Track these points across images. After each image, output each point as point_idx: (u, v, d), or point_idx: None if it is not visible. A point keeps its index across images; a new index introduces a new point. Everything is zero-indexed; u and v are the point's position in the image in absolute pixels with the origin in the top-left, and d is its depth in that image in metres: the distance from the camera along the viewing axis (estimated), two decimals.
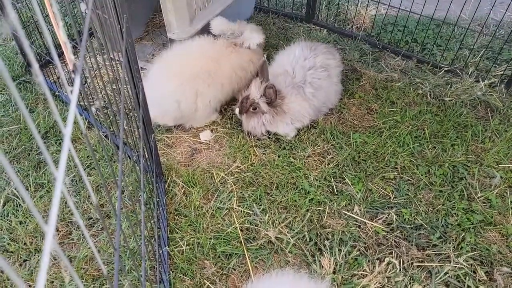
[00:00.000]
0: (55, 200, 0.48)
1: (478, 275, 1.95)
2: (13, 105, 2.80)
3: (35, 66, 0.51)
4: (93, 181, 2.36)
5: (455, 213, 2.21)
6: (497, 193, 2.31)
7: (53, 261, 2.01)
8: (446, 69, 3.12)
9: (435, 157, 2.51)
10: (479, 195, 2.29)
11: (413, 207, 2.24)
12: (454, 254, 2.02)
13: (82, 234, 2.11)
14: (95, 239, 2.11)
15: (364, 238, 2.10)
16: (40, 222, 0.41)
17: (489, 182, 2.37)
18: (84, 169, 2.43)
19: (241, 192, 2.32)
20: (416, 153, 2.53)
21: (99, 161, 2.49)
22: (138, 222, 2.07)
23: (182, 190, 2.33)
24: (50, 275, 1.95)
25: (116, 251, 0.96)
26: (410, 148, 2.55)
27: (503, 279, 1.93)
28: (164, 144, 2.62)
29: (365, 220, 2.18)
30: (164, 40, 3.41)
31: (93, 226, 2.17)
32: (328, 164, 2.48)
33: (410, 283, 1.92)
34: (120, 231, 1.78)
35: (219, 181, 2.39)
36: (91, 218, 2.19)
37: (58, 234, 2.12)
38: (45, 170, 2.41)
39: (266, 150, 2.57)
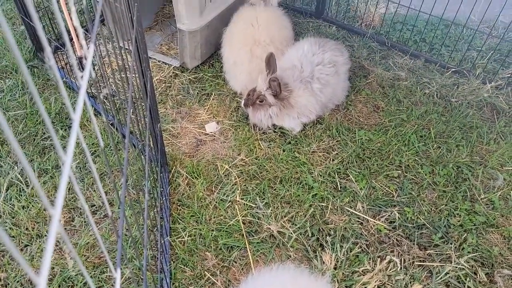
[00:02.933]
0: (62, 182, 0.48)
1: (478, 276, 1.95)
2: (20, 90, 2.81)
3: (48, 49, 0.50)
4: (97, 168, 2.37)
5: (457, 214, 2.20)
6: (500, 195, 2.30)
7: (55, 247, 2.02)
8: (454, 69, 3.10)
9: (439, 157, 2.50)
10: (482, 196, 2.29)
11: (416, 206, 2.24)
12: (455, 255, 2.02)
13: (84, 221, 2.12)
14: (97, 226, 2.12)
15: (366, 236, 2.10)
16: (46, 205, 0.41)
17: (492, 184, 2.36)
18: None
19: (245, 185, 2.32)
20: (421, 152, 2.52)
21: (104, 149, 2.49)
22: (141, 211, 2.08)
23: (186, 181, 2.34)
24: (51, 261, 1.96)
25: (119, 238, 0.97)
26: (415, 147, 2.54)
27: (503, 281, 1.93)
28: (170, 134, 2.63)
29: (367, 218, 2.18)
30: (173, 31, 3.40)
31: (96, 214, 2.18)
32: (333, 160, 2.47)
33: (410, 282, 1.93)
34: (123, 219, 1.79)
35: (223, 173, 2.39)
36: (94, 205, 2.20)
37: (61, 220, 2.13)
38: (50, 156, 2.41)
39: (271, 144, 2.57)
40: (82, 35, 0.80)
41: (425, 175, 2.39)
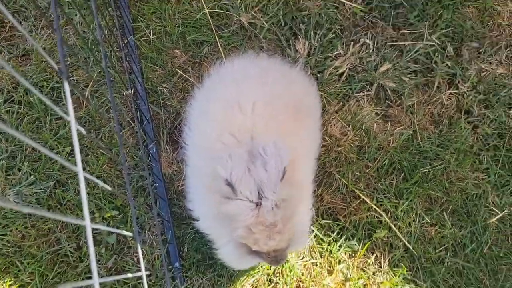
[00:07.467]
0: None
1: (447, 51, 1.99)
2: None
3: None
4: None
5: None
6: None
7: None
8: None
9: None
10: None
11: None
12: (428, 32, 2.00)
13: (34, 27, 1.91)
14: (49, 31, 1.92)
15: (341, 20, 2.02)
16: None
17: None
18: None
19: None
20: None
21: None
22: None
23: None
24: None
25: None
26: None
27: (469, 54, 1.99)
28: None
29: (343, 0, 2.04)
30: None
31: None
32: None
33: (380, 62, 1.96)
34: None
35: None
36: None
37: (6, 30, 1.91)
38: None
39: None
40: None
41: None
